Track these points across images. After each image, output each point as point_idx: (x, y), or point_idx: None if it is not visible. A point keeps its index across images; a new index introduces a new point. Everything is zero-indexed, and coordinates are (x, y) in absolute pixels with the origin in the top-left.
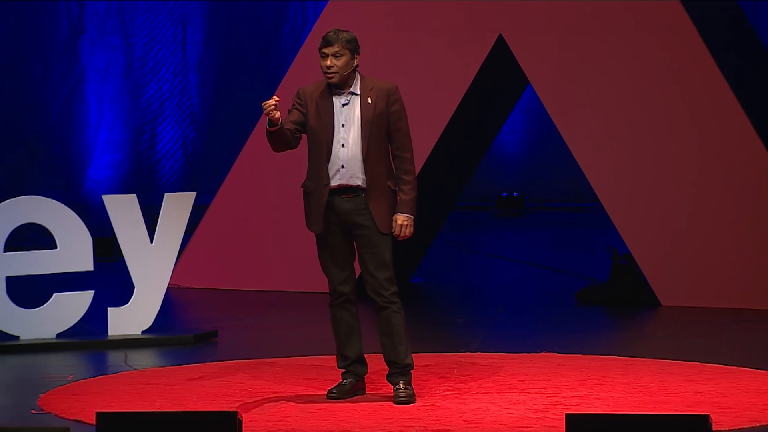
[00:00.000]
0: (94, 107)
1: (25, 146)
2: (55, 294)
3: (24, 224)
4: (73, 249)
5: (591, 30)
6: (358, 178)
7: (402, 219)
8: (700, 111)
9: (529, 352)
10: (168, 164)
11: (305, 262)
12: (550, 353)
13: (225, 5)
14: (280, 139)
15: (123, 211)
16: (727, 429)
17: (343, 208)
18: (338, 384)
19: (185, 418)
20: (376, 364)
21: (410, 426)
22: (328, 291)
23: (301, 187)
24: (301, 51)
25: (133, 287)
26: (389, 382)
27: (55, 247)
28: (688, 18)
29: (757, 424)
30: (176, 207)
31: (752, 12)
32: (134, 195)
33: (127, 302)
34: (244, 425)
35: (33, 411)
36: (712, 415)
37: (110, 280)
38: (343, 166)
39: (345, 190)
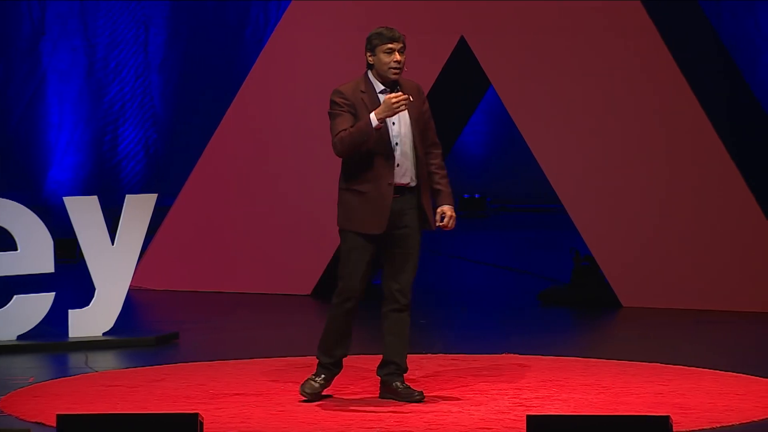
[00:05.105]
0: (55, 108)
1: None
2: (15, 296)
3: None
4: (34, 251)
5: (552, 31)
6: (408, 177)
7: (451, 211)
8: (661, 113)
9: (491, 354)
10: (130, 165)
11: (267, 263)
12: (512, 354)
13: (187, 7)
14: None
15: (84, 212)
16: (687, 430)
17: (395, 209)
18: (311, 380)
19: (147, 419)
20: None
21: (372, 427)
22: (336, 289)
23: (345, 188)
24: (264, 52)
25: (95, 289)
26: (385, 379)
27: (16, 249)
28: (648, 19)
29: (718, 425)
30: (138, 208)
31: (715, 15)
32: (95, 197)
33: (88, 304)
34: (205, 427)
35: None
36: (672, 416)
37: (71, 281)
38: (398, 165)
39: (396, 189)
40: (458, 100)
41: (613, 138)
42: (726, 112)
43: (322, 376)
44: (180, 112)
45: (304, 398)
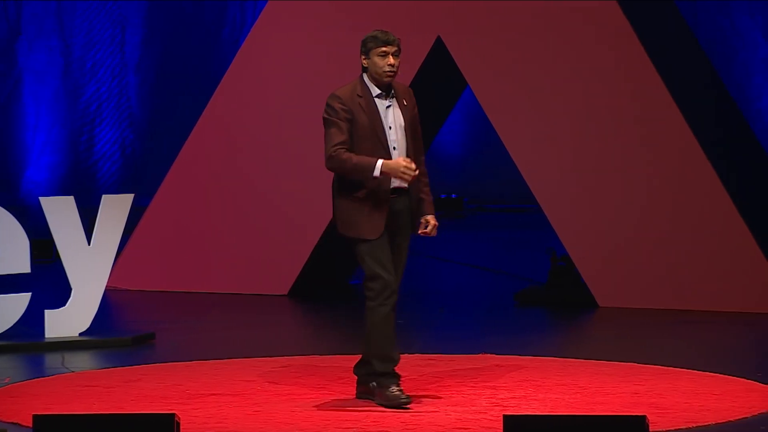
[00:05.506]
0: (32, 109)
1: None
2: None
3: None
4: (11, 251)
5: (529, 32)
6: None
7: (434, 220)
8: (637, 112)
9: (467, 354)
10: (106, 166)
11: (244, 263)
12: (489, 354)
13: (164, 7)
14: None
15: (60, 212)
16: (664, 430)
17: (393, 209)
18: (389, 390)
19: (123, 420)
20: (315, 367)
21: (349, 428)
22: (371, 292)
23: (341, 194)
24: (240, 52)
25: (71, 289)
26: (362, 379)
27: None
28: (625, 19)
29: (694, 425)
30: (114, 209)
31: (691, 15)
32: (72, 197)
33: (64, 304)
34: (182, 427)
35: None
36: (649, 416)
37: (48, 282)
38: None
39: (393, 190)
40: (435, 100)
41: (590, 138)
42: (702, 111)
43: (393, 387)
44: (156, 113)
45: (402, 402)
